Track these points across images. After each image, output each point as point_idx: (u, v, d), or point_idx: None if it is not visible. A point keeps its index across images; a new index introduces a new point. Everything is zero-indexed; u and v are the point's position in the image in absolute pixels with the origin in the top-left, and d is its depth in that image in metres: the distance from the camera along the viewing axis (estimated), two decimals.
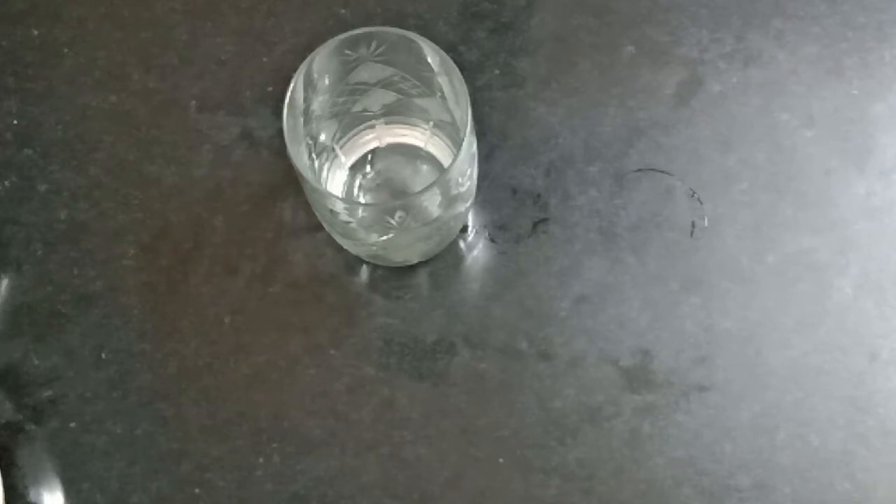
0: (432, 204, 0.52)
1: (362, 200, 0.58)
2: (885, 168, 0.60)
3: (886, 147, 0.60)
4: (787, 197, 0.59)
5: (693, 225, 0.59)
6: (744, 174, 0.60)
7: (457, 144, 0.52)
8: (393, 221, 0.51)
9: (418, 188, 0.57)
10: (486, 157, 0.60)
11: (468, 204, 0.56)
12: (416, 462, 0.56)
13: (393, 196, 0.58)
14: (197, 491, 0.56)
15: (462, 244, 0.59)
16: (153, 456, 0.57)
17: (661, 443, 0.56)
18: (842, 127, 0.60)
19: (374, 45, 0.52)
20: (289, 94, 0.51)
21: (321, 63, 0.52)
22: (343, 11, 0.63)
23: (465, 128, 0.50)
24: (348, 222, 0.52)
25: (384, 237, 0.53)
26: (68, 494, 0.56)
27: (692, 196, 0.59)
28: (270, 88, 0.62)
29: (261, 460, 0.56)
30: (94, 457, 0.57)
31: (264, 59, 0.62)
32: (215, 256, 0.59)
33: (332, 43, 0.52)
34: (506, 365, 0.57)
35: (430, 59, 0.53)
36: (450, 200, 0.53)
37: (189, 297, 0.59)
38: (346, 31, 0.52)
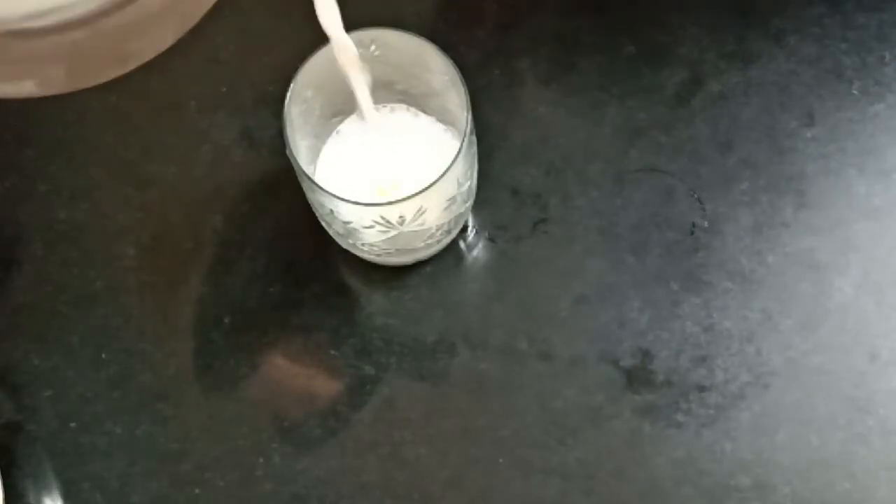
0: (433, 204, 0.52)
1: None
2: (885, 168, 0.59)
3: (886, 147, 0.60)
4: (787, 197, 0.59)
5: (693, 225, 0.59)
6: (744, 174, 0.60)
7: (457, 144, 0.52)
8: (393, 221, 0.51)
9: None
10: (486, 157, 0.60)
11: (468, 204, 0.56)
12: (416, 462, 0.56)
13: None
14: (197, 491, 0.56)
15: (462, 244, 0.59)
16: (153, 456, 0.57)
17: (661, 443, 0.56)
18: (842, 127, 0.60)
19: (374, 45, 0.52)
20: (289, 94, 0.51)
21: (321, 63, 0.52)
22: (343, 11, 0.63)
23: (465, 128, 0.50)
24: (348, 222, 0.52)
25: (384, 237, 0.53)
26: (68, 494, 0.56)
27: (692, 196, 0.59)
28: (270, 88, 0.62)
29: (261, 460, 0.56)
30: (94, 457, 0.57)
31: (264, 59, 0.62)
32: (215, 256, 0.59)
33: None
34: (506, 365, 0.57)
35: (430, 60, 0.53)
36: (450, 200, 0.52)
37: (189, 297, 0.59)
38: (346, 31, 0.52)
